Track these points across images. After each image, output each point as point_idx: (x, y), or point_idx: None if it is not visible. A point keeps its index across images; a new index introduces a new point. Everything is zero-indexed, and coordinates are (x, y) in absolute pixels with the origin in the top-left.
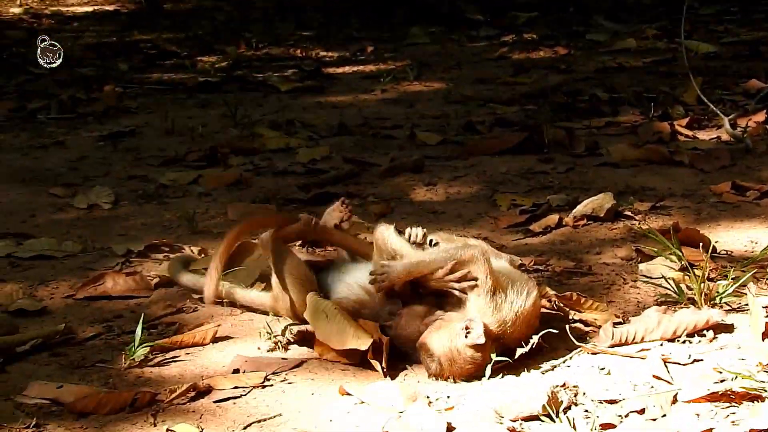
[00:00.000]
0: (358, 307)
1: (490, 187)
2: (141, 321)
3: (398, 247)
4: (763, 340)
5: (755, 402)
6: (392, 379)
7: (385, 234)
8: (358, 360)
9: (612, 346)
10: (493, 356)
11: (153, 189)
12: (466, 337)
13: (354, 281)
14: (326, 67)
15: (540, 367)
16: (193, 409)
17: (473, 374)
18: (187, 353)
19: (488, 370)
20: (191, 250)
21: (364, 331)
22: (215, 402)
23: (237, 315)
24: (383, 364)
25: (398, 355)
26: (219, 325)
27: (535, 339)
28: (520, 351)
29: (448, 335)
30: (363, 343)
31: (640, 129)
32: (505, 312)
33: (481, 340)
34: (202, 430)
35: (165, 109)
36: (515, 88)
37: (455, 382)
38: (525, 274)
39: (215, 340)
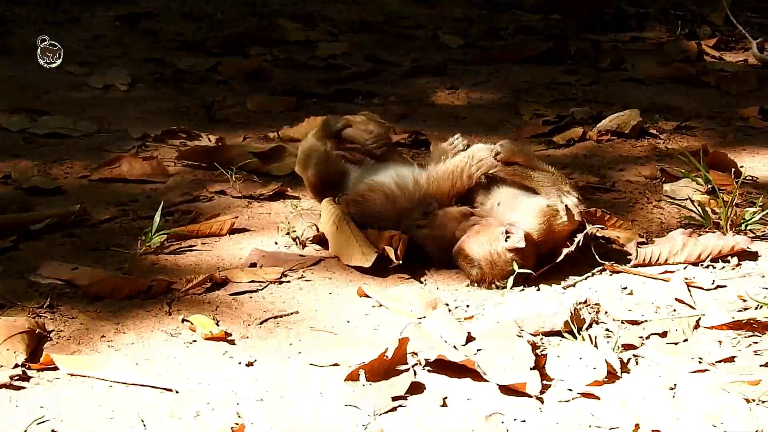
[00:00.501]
0: (397, 193)
1: (512, 94)
2: (160, 208)
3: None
4: None
5: None
6: (412, 284)
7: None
8: (370, 267)
9: (635, 266)
10: (516, 268)
11: (170, 73)
12: (506, 240)
13: (408, 171)
14: None
15: (561, 283)
16: (209, 300)
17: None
18: (204, 243)
19: (510, 282)
20: (209, 138)
21: (370, 245)
22: (231, 295)
23: (254, 207)
24: (398, 253)
25: (418, 259)
26: (236, 217)
27: (579, 237)
28: (565, 251)
29: (487, 239)
30: (367, 260)
31: (666, 46)
32: (552, 220)
33: (522, 244)
34: (218, 322)
35: None
36: None
37: (497, 285)
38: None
39: (232, 231)
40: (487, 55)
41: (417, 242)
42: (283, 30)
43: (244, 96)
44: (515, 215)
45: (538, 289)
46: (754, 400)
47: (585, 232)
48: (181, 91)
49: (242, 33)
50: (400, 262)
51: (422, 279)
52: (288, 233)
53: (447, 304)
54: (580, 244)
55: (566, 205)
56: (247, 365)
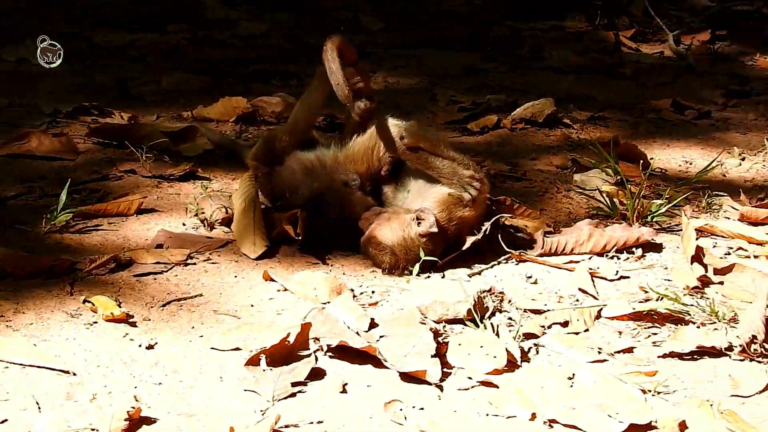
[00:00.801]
0: (316, 166)
1: (430, 80)
2: (67, 186)
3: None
4: (691, 263)
5: (678, 325)
6: (318, 268)
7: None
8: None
9: (541, 255)
10: (422, 255)
11: (86, 48)
12: (418, 225)
13: (330, 151)
14: None
15: (467, 271)
16: (112, 281)
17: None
18: (110, 223)
19: (416, 269)
20: (121, 116)
21: (264, 237)
22: (135, 276)
23: (164, 188)
24: (298, 230)
25: (323, 246)
26: (145, 197)
27: (487, 225)
28: (471, 239)
29: (399, 225)
30: (254, 252)
31: (585, 36)
32: (452, 208)
33: (435, 229)
34: (120, 303)
35: None
36: None
37: (410, 270)
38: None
39: (140, 211)
40: (407, 40)
41: (321, 207)
42: (205, 7)
43: (160, 74)
44: (418, 203)
45: (444, 277)
46: (650, 391)
47: (492, 220)
48: (97, 66)
49: (161, 9)
50: (299, 238)
51: (329, 264)
52: (196, 214)
53: (352, 290)
54: (487, 233)
55: (469, 194)
56: (147, 348)
